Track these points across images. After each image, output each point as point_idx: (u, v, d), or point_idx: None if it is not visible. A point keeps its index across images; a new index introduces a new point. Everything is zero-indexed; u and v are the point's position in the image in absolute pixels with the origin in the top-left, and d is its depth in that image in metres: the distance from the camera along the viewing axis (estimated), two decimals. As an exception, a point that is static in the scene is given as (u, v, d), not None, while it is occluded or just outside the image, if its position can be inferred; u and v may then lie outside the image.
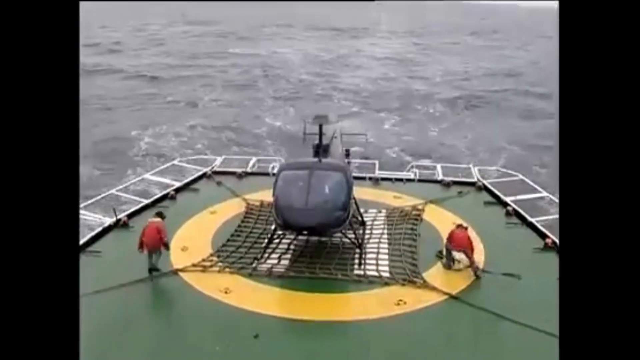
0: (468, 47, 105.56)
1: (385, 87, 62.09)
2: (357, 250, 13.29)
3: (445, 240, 12.79)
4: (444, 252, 12.75)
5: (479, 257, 12.98)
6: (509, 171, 21.34)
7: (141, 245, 12.25)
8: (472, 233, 13.18)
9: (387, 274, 12.26)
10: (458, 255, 12.50)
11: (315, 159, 13.48)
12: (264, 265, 12.71)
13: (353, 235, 13.43)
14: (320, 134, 14.50)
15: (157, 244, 12.26)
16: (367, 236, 14.57)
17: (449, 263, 12.57)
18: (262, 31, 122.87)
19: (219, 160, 21.69)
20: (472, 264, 12.23)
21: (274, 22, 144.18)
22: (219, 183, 19.09)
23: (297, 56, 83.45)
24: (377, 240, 14.35)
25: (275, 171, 15.63)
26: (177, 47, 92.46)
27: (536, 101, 54.87)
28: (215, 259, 13.00)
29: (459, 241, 12.36)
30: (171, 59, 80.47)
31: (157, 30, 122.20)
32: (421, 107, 51.97)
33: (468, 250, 12.28)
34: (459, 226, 13.07)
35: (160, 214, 13.30)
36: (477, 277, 12.01)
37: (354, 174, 16.27)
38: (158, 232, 12.34)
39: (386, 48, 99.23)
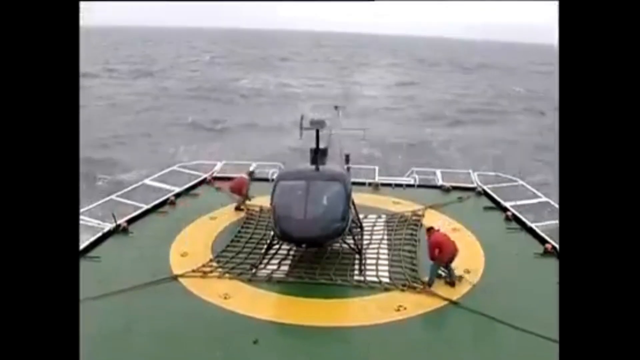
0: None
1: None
2: (357, 256, 13.27)
3: (431, 254, 11.80)
4: (431, 268, 11.88)
5: (479, 263, 12.97)
6: (509, 176, 21.34)
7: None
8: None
9: (387, 280, 12.23)
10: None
11: (313, 167, 13.40)
12: (264, 271, 12.68)
13: (352, 242, 13.39)
14: (317, 140, 14.18)
15: (239, 192, 17.13)
16: (366, 242, 14.53)
17: (434, 278, 11.79)
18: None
19: (218, 165, 21.72)
20: (450, 273, 11.85)
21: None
22: (218, 188, 19.11)
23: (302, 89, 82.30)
24: (376, 245, 14.32)
25: (274, 177, 15.59)
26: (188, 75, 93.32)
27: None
28: (215, 264, 12.98)
29: (449, 251, 11.77)
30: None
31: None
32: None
33: (454, 257, 11.88)
34: (431, 229, 12.33)
35: (250, 173, 18.53)
36: (453, 284, 11.71)
37: (353, 180, 16.23)
38: (240, 185, 17.12)
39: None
